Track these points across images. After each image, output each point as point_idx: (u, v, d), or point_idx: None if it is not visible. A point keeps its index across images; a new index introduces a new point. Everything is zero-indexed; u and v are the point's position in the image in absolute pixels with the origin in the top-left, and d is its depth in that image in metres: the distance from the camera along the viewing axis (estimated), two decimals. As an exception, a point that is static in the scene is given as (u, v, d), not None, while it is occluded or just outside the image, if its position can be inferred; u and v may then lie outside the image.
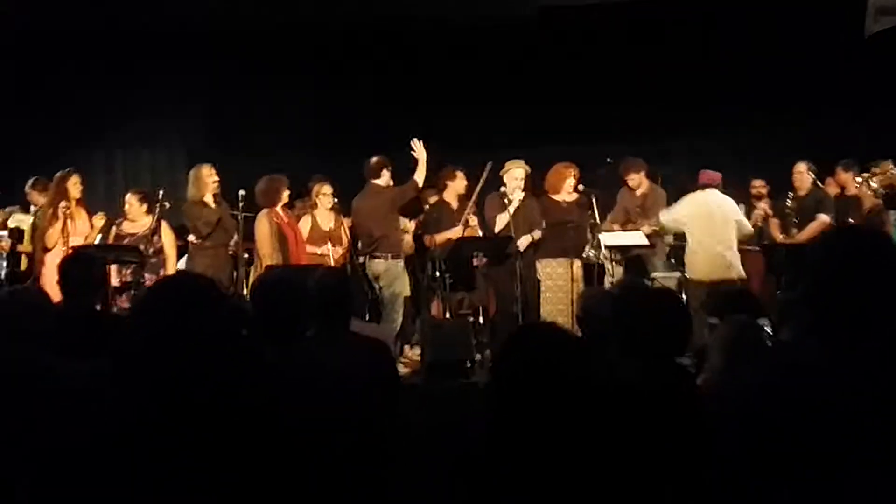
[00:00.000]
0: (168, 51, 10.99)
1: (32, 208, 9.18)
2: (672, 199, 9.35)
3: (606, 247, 8.94)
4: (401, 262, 8.80)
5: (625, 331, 3.40)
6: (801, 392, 1.85)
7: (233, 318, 2.39)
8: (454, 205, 9.12)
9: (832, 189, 9.64)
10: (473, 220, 8.96)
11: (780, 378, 1.90)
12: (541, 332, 2.66)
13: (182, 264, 8.83)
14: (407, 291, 8.97)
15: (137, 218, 8.62)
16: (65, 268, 4.82)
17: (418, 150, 8.58)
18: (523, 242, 8.80)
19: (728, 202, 8.67)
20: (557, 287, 8.76)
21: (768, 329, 4.59)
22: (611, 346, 3.87)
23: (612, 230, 9.33)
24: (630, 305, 3.49)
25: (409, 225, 9.42)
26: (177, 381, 2.13)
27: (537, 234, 8.91)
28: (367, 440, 3.54)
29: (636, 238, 9.10)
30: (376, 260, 8.64)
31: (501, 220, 8.83)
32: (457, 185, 9.13)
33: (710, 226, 8.49)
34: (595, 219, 8.89)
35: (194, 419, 2.13)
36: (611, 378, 3.10)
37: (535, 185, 9.17)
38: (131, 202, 8.65)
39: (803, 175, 9.40)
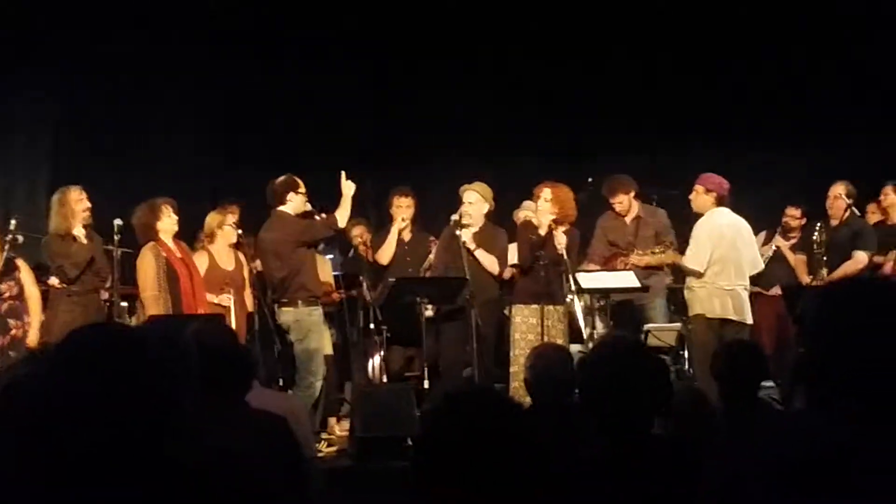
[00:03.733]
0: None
1: None
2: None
3: (584, 290, 7.71)
4: (317, 311, 7.84)
5: (587, 398, 3.27)
6: (822, 473, 1.86)
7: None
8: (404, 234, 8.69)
9: (873, 217, 8.71)
10: None
11: (795, 454, 1.91)
12: (468, 401, 2.28)
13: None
14: (328, 348, 8.17)
15: None
16: None
17: (344, 184, 7.83)
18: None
19: (746, 227, 7.75)
20: (527, 342, 7.60)
21: (775, 395, 4.56)
22: (568, 417, 3.72)
23: (589, 270, 8.12)
24: (594, 367, 3.29)
25: (325, 262, 8.57)
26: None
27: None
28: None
29: (625, 279, 7.88)
30: (284, 308, 7.68)
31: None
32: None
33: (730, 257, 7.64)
34: (564, 255, 7.61)
35: None
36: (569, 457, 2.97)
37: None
38: None
39: (838, 200, 8.27)
